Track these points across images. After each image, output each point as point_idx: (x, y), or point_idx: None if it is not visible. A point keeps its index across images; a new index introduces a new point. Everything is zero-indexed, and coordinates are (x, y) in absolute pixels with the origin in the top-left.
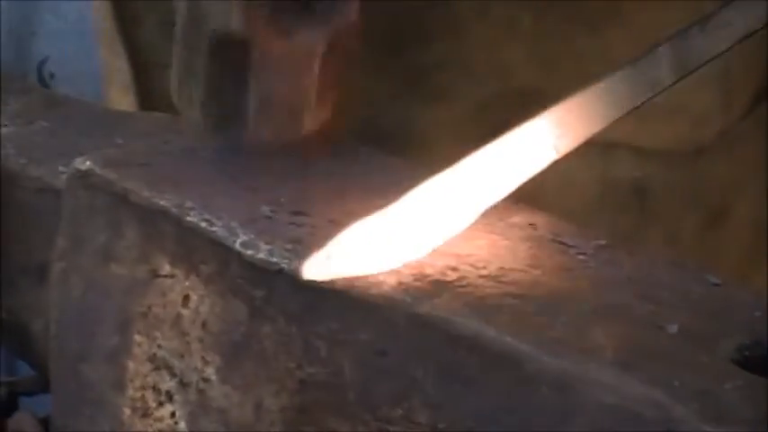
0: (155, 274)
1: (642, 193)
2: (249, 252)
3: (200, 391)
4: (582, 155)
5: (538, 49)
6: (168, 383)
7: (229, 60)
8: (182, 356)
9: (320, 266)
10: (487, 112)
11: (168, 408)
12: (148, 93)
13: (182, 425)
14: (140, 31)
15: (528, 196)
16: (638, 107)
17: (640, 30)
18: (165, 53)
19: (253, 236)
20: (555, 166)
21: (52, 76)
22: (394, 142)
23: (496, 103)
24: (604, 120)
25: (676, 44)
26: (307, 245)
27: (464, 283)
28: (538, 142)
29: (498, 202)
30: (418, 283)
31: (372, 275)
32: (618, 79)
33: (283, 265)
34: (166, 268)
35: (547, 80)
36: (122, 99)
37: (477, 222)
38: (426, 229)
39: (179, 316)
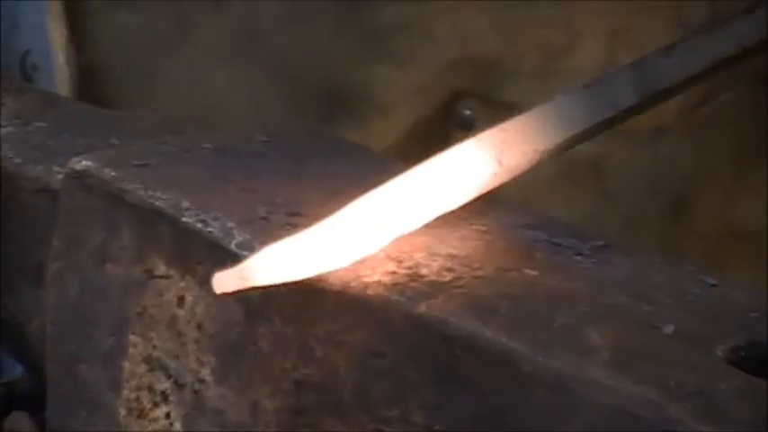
0: (150, 275)
1: (600, 172)
2: (245, 253)
3: (196, 392)
4: None
5: (500, 17)
6: (164, 384)
7: None
8: (177, 357)
9: (231, 282)
10: (447, 77)
11: (163, 408)
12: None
13: (177, 426)
14: None
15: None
16: (599, 128)
17: (602, 3)
18: None
19: (249, 237)
20: None
21: (35, 68)
22: (352, 105)
23: (456, 70)
24: (556, 137)
25: (638, 67)
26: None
27: (460, 283)
28: (482, 156)
29: (494, 204)
30: (414, 284)
31: (368, 275)
32: (573, 97)
33: None
34: (162, 269)
35: (508, 49)
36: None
37: (473, 223)
38: (373, 231)
39: (174, 317)
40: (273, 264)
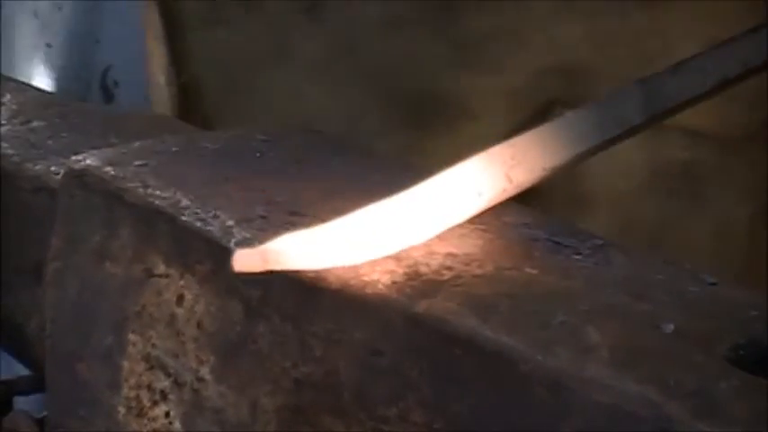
0: (149, 274)
1: (691, 177)
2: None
3: (195, 391)
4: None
5: (594, 25)
6: (163, 383)
7: None
8: (176, 356)
9: (252, 262)
10: (540, 85)
11: (163, 407)
12: (192, 43)
13: (176, 424)
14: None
15: (575, 174)
16: (607, 144)
17: (697, 11)
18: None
19: (248, 235)
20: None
21: (116, 83)
22: (445, 113)
23: (550, 78)
24: (565, 153)
25: (646, 85)
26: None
27: (459, 282)
28: (491, 172)
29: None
30: (413, 283)
31: (367, 274)
32: (582, 115)
33: None
34: (161, 268)
35: (601, 57)
36: (155, 51)
37: (472, 222)
38: (382, 238)
39: (174, 315)
40: (295, 250)
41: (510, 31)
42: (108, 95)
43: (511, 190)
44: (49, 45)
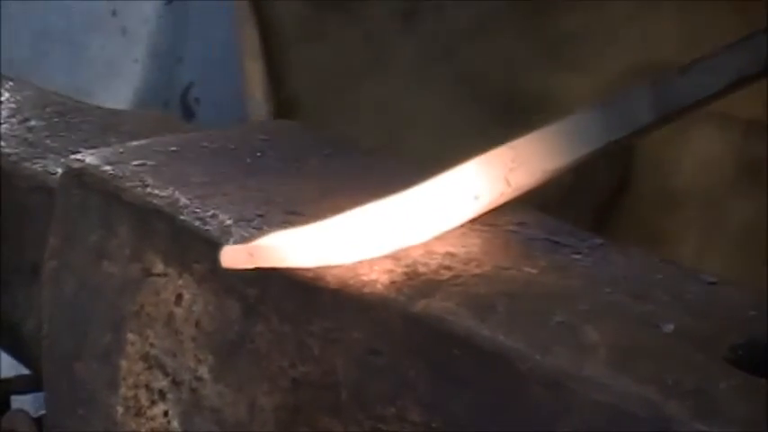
0: (148, 273)
1: None
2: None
3: (193, 390)
4: (720, 130)
5: (685, 21)
6: (161, 382)
7: None
8: (174, 355)
9: (240, 257)
10: (630, 82)
11: (161, 406)
12: (290, 61)
13: (174, 424)
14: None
15: (664, 171)
16: (613, 146)
17: None
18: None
19: (246, 235)
20: (692, 142)
21: (197, 101)
22: (535, 113)
23: (640, 74)
24: (567, 156)
25: (656, 86)
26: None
27: (458, 282)
28: (490, 175)
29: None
30: (412, 282)
31: (365, 274)
32: (588, 116)
33: None
34: (159, 267)
35: (690, 55)
36: (254, 68)
37: (470, 222)
38: (374, 238)
39: (172, 315)
40: (283, 247)
41: (599, 29)
42: (189, 113)
43: (510, 193)
44: (136, 61)
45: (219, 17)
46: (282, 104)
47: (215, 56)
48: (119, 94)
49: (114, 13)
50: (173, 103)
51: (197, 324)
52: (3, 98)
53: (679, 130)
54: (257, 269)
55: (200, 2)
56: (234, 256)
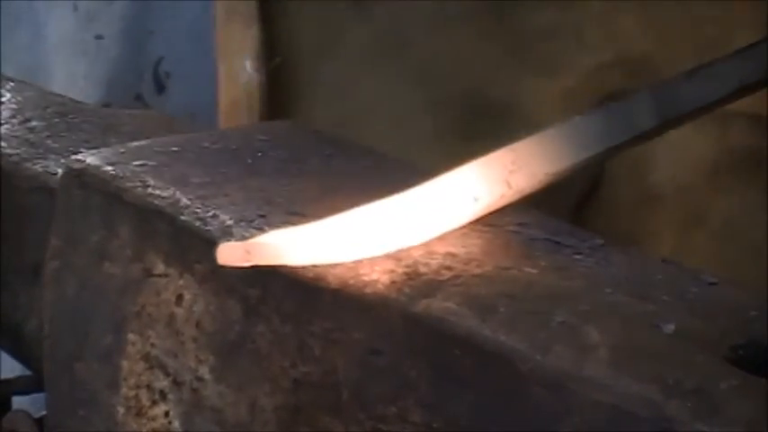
0: (149, 273)
1: (761, 166)
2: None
3: (194, 391)
4: (696, 124)
5: (653, 17)
6: (162, 382)
7: None
8: (175, 355)
9: (236, 254)
10: (597, 81)
11: (162, 407)
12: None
13: (176, 424)
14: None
15: (641, 168)
16: (615, 151)
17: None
18: None
19: (247, 235)
20: (669, 137)
21: (168, 75)
22: (498, 114)
23: (608, 72)
24: (568, 160)
25: (659, 91)
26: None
27: (458, 282)
28: (490, 177)
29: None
30: (413, 283)
31: (366, 274)
32: (590, 120)
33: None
34: (160, 267)
35: (661, 49)
36: (244, 34)
37: (471, 222)
38: (372, 238)
39: (173, 315)
40: (280, 245)
41: (565, 27)
42: (159, 86)
43: (510, 196)
44: (99, 37)
45: None
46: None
47: (185, 29)
48: (87, 69)
49: None
50: (147, 77)
51: (198, 324)
52: (4, 99)
53: None
54: (256, 268)
55: None
56: (230, 254)
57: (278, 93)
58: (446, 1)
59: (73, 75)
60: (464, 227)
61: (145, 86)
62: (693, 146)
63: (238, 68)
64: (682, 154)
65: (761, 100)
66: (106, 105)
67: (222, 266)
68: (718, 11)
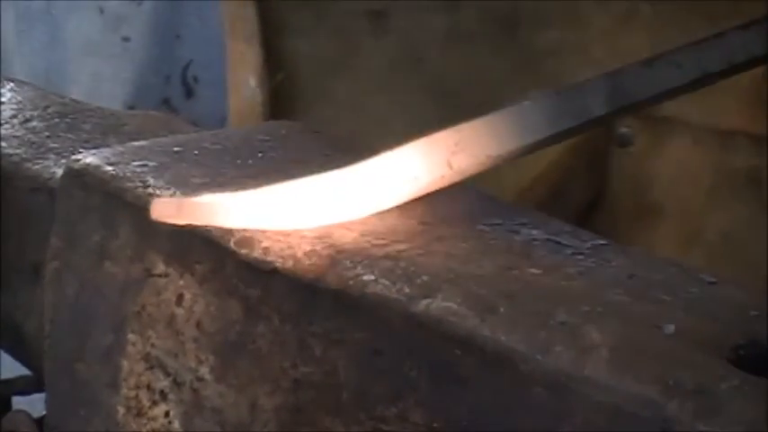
0: (149, 273)
1: (759, 184)
2: (244, 251)
3: (195, 391)
4: (697, 142)
5: (658, 37)
6: (162, 382)
7: None
8: (176, 356)
9: (168, 211)
10: None
11: (162, 407)
12: (273, 52)
13: (176, 424)
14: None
15: (641, 184)
16: (562, 136)
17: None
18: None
19: (247, 235)
20: (669, 154)
21: (196, 79)
22: None
23: None
24: (512, 143)
25: (614, 77)
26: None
27: (459, 282)
28: (431, 157)
29: (494, 202)
30: (412, 283)
31: (367, 273)
32: (539, 104)
33: (278, 265)
34: (161, 267)
35: None
36: (246, 53)
37: (472, 221)
38: (305, 209)
39: (173, 315)
40: (213, 205)
41: (572, 45)
42: (187, 90)
43: (451, 176)
44: (126, 39)
45: None
46: (276, 93)
47: (213, 35)
48: (112, 71)
49: None
50: (174, 81)
51: (198, 324)
52: (4, 99)
53: (656, 143)
54: (188, 227)
55: None
56: (163, 209)
57: (286, 107)
58: (460, 18)
59: (98, 76)
60: (464, 225)
61: (172, 91)
62: (694, 163)
63: (242, 83)
64: (682, 171)
65: (761, 120)
66: (131, 108)
67: (155, 221)
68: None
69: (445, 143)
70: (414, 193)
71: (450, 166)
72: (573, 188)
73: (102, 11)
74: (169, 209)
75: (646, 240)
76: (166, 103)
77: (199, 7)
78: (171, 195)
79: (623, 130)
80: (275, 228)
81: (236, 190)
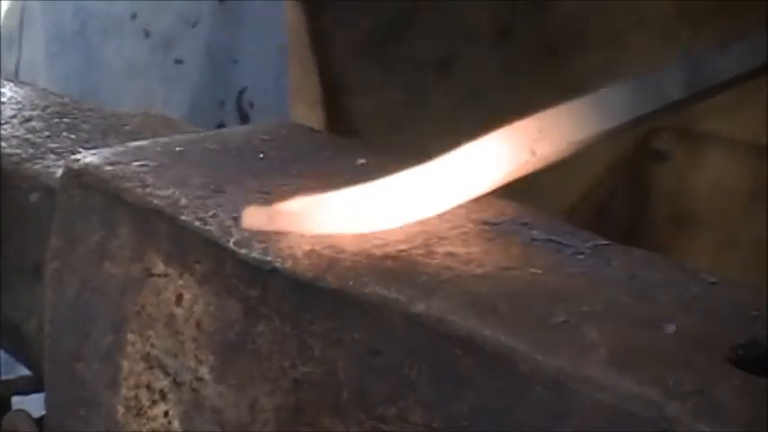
0: (148, 273)
1: None
2: (243, 251)
3: (194, 391)
4: (732, 155)
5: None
6: (162, 382)
7: None
8: (175, 355)
9: (260, 220)
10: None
11: (162, 407)
12: (338, 113)
13: (175, 424)
14: (332, 50)
15: (678, 194)
16: (641, 120)
17: None
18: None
19: (247, 235)
20: (706, 168)
21: (251, 105)
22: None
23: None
24: (592, 129)
25: (690, 61)
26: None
27: (459, 281)
28: (514, 144)
29: (492, 200)
30: (412, 282)
31: (367, 273)
32: (617, 90)
33: (277, 264)
34: (160, 267)
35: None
36: (310, 117)
37: (472, 221)
38: (397, 207)
39: (173, 315)
40: (305, 213)
41: (609, 68)
42: (243, 116)
43: (535, 163)
44: (179, 61)
45: (274, 20)
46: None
47: (270, 61)
48: (162, 93)
49: (134, 17)
50: (229, 106)
51: (198, 324)
52: (4, 99)
53: (692, 157)
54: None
55: (254, 1)
56: (255, 219)
57: None
58: (516, 51)
59: (147, 99)
60: (464, 225)
61: (227, 116)
62: (730, 175)
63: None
64: (718, 183)
65: None
66: None
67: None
68: None
69: (528, 131)
70: (499, 181)
71: (534, 153)
72: (615, 206)
73: (147, 33)
74: (261, 218)
75: (685, 250)
76: (221, 128)
77: (256, 32)
78: (260, 204)
79: (661, 145)
80: (363, 231)
81: (280, 194)
